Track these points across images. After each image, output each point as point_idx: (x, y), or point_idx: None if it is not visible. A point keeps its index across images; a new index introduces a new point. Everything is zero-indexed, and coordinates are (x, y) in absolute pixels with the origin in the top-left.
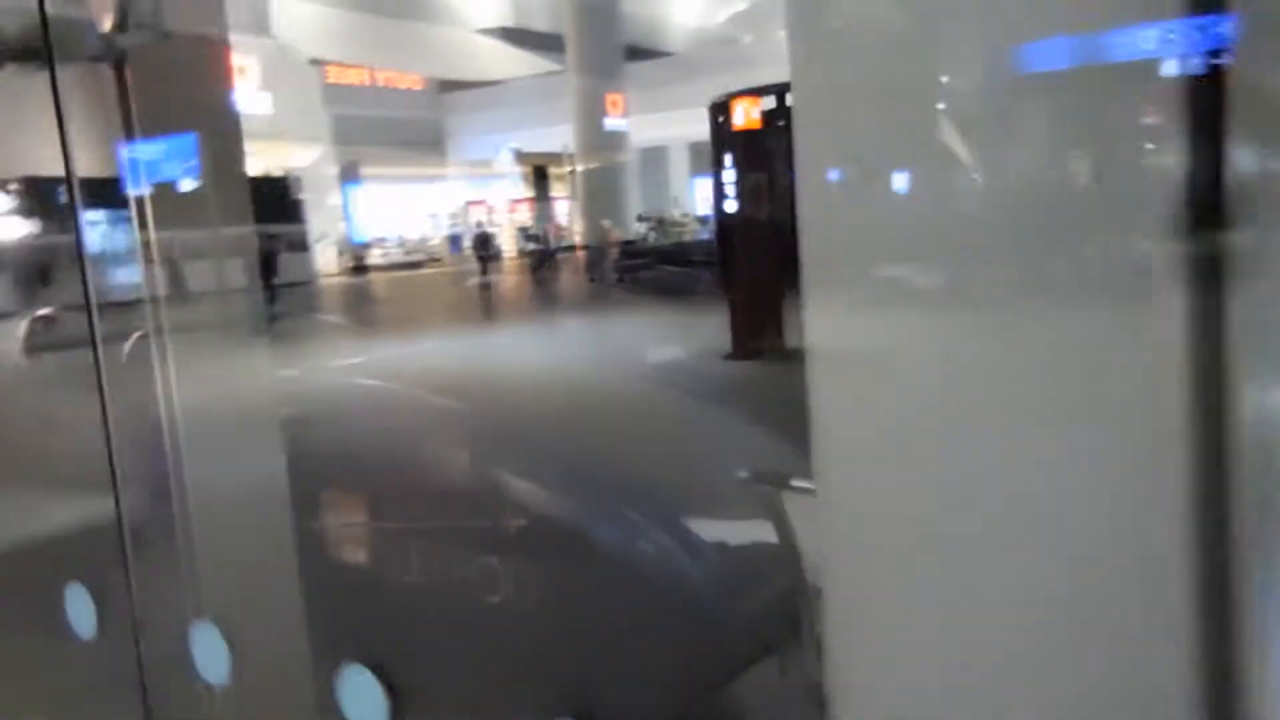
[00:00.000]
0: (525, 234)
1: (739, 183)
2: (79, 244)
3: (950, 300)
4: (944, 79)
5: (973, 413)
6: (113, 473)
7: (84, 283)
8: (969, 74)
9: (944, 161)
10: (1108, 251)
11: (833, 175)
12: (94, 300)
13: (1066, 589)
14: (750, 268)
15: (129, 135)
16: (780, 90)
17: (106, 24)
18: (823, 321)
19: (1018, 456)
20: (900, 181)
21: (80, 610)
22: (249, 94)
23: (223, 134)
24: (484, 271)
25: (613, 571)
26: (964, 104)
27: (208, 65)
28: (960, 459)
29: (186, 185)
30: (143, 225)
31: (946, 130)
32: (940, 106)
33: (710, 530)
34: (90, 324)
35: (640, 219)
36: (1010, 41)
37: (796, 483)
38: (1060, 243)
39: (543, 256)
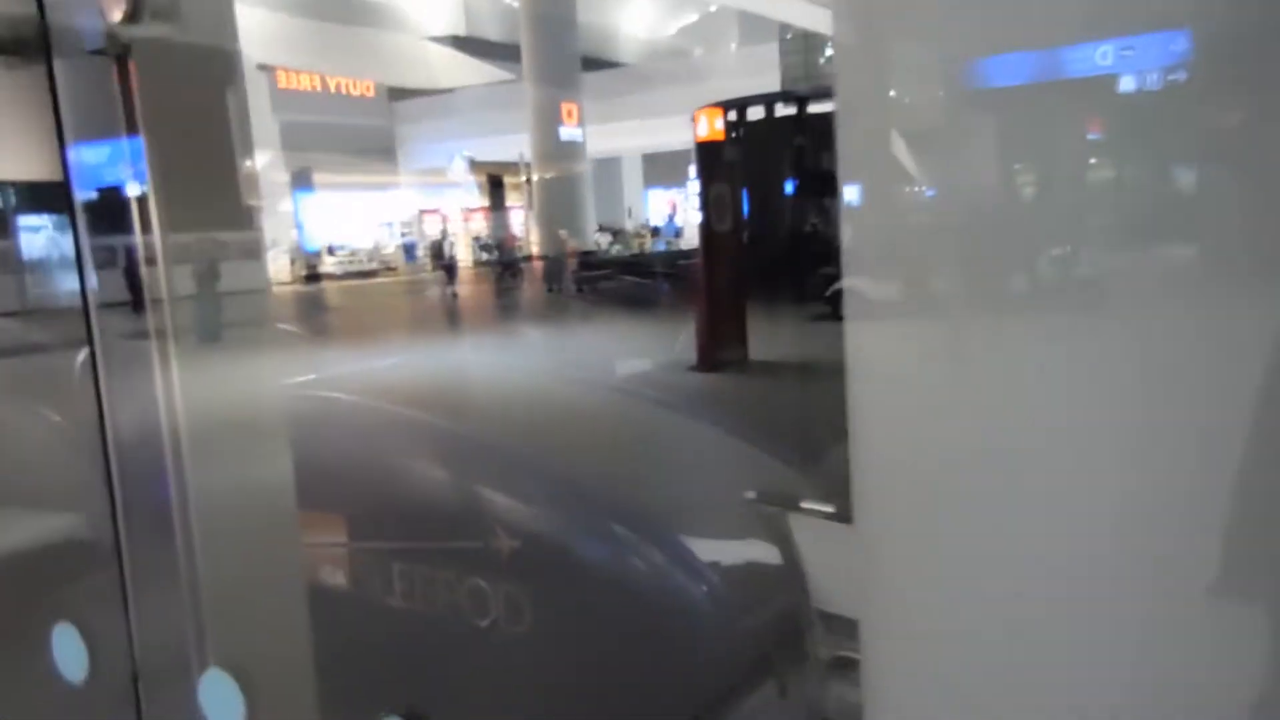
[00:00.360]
0: (480, 244)
1: (712, 193)
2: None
3: (999, 311)
4: (988, 81)
5: (1025, 431)
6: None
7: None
8: (1015, 74)
9: (990, 166)
10: (1167, 256)
11: (874, 182)
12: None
13: (1123, 621)
14: (723, 279)
15: (131, 133)
16: (746, 104)
17: (116, 14)
18: (864, 338)
19: (1077, 480)
20: (944, 187)
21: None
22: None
23: (230, 135)
24: (449, 281)
25: (601, 591)
26: (1012, 106)
27: (218, 63)
28: (1013, 481)
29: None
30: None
31: (993, 134)
32: (984, 110)
33: (708, 550)
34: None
35: (601, 229)
36: (1062, 42)
37: (808, 505)
38: (1121, 247)
39: (504, 266)
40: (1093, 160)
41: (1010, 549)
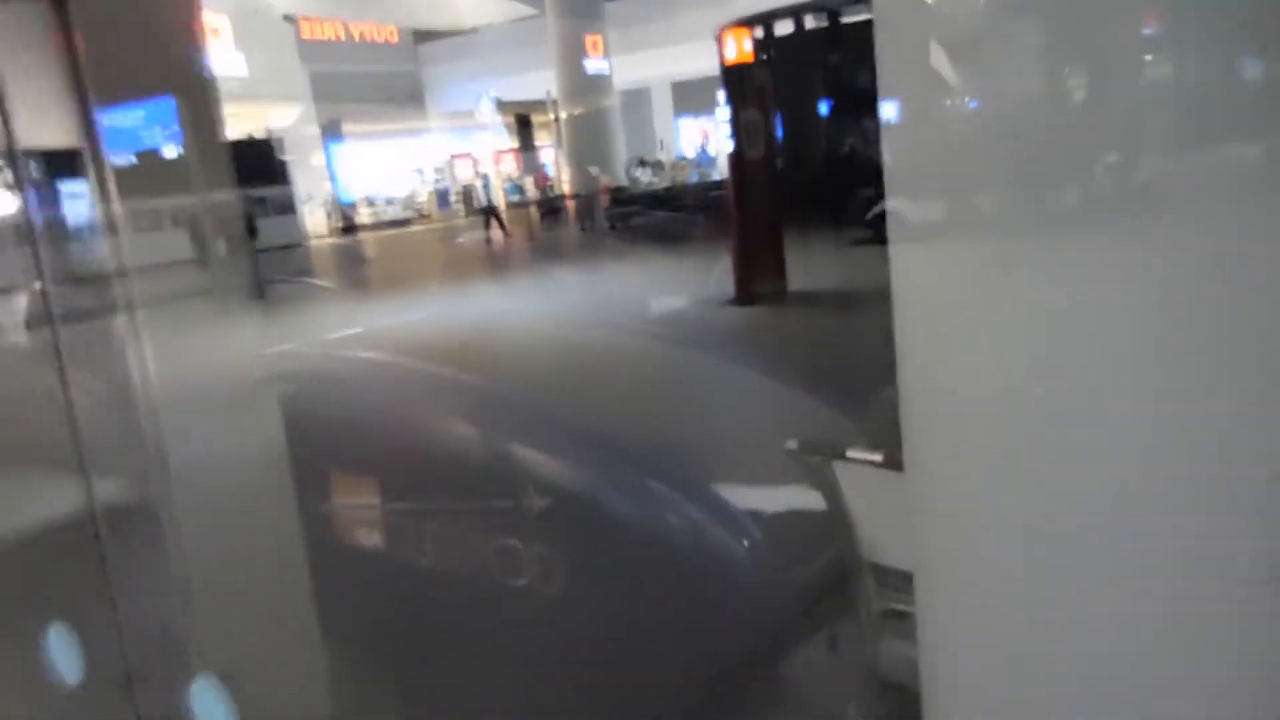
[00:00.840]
0: (511, 186)
1: (740, 118)
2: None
3: (1053, 231)
4: None
5: (1084, 363)
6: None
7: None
8: None
9: (1037, 72)
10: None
11: (915, 96)
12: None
13: (1176, 577)
14: (755, 208)
15: (80, 95)
16: (773, 19)
17: None
18: (910, 266)
19: (1130, 428)
20: (989, 98)
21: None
22: (223, 54)
23: (196, 96)
24: (489, 225)
25: (638, 547)
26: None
27: (177, 20)
28: (1066, 430)
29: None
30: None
31: (1041, 36)
32: (1029, 10)
33: (750, 503)
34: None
35: (641, 163)
36: None
37: (853, 454)
38: (1180, 154)
39: (541, 208)
40: (1148, 58)
41: (1067, 494)
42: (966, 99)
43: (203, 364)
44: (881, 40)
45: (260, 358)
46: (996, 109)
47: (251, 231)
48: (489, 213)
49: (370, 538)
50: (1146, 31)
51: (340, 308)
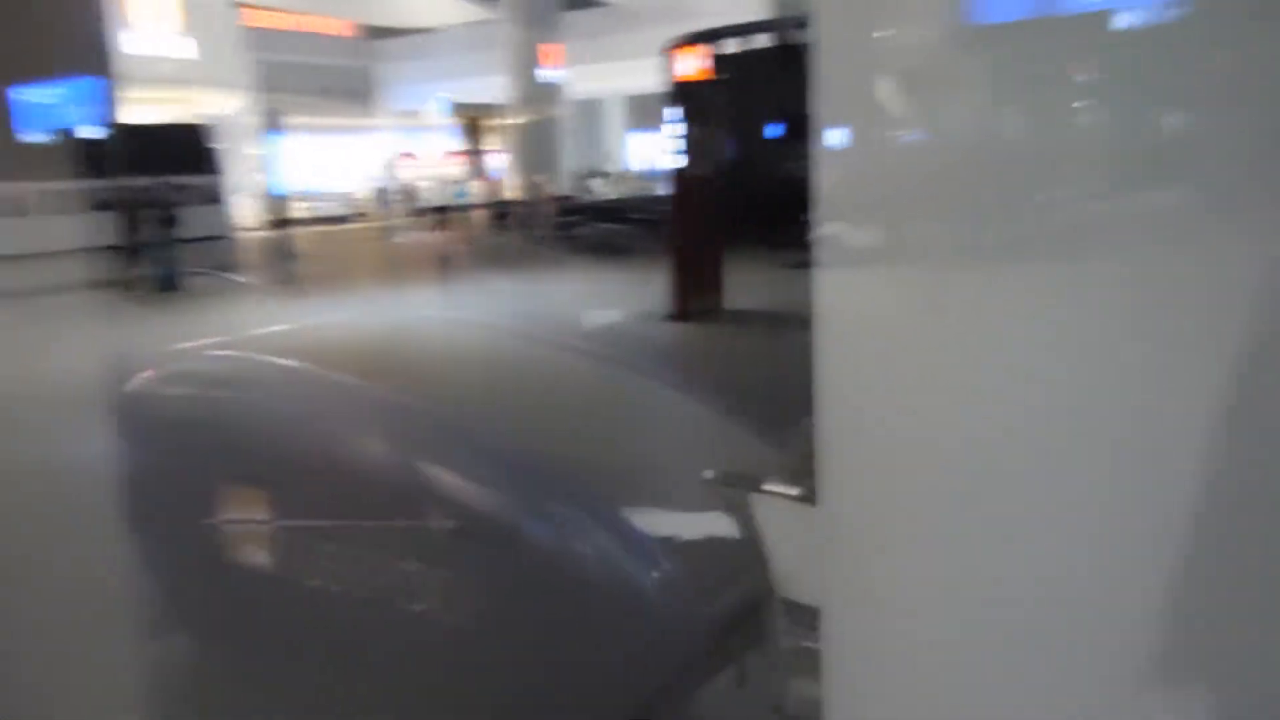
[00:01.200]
0: (453, 190)
1: (683, 134)
2: None
3: (985, 266)
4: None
5: (1003, 412)
6: None
7: None
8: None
9: (971, 114)
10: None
11: (853, 123)
12: None
13: (1089, 619)
14: (693, 225)
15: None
16: (738, 32)
17: None
18: (836, 295)
19: (1050, 468)
20: (926, 130)
21: None
22: (168, 38)
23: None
24: (435, 227)
25: (550, 574)
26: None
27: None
28: (986, 467)
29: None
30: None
31: (976, 81)
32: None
33: (663, 533)
34: None
35: (593, 174)
36: None
37: (770, 486)
38: (1111, 194)
39: (495, 212)
40: (1076, 104)
41: (982, 532)
42: (901, 130)
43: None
44: (820, 67)
45: (114, 357)
46: (930, 141)
47: (169, 221)
48: (438, 213)
49: (249, 555)
50: (1078, 79)
51: (257, 305)
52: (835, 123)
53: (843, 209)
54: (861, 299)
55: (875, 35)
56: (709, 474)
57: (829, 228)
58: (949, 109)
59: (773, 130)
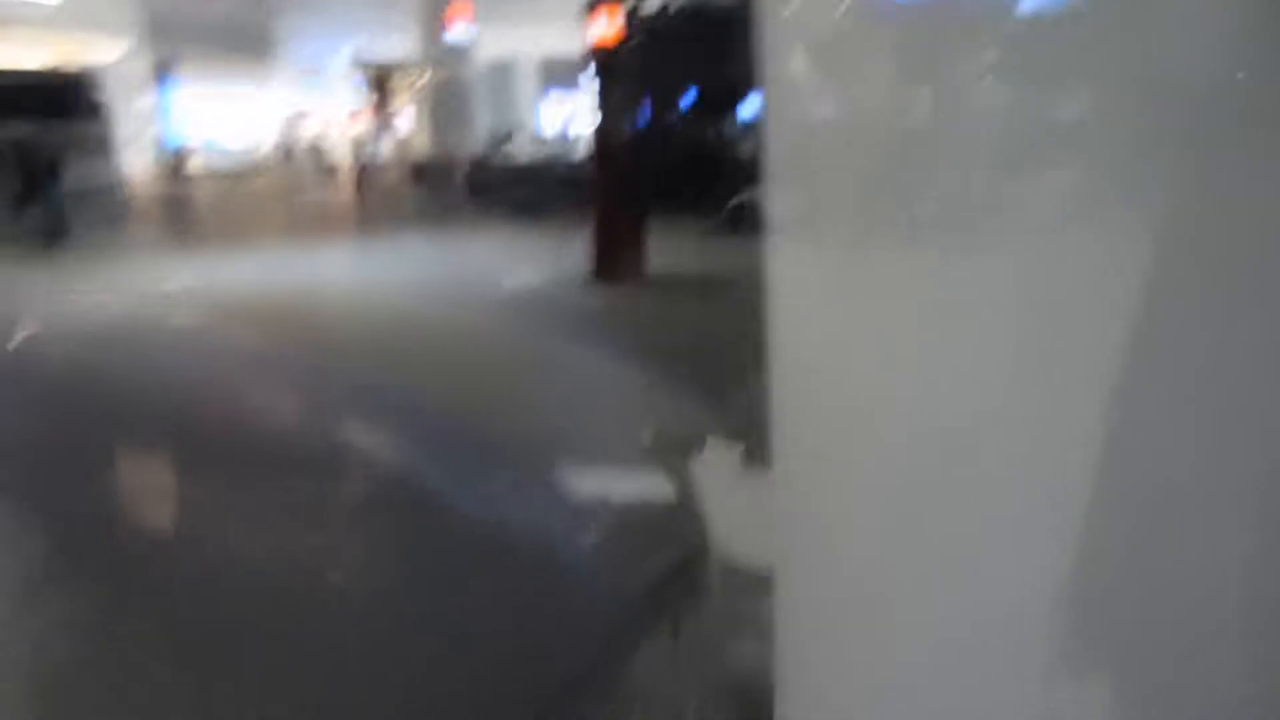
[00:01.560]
0: (363, 148)
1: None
2: None
3: (932, 244)
4: None
5: (955, 377)
6: None
7: None
8: None
9: (927, 79)
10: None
11: (799, 95)
12: None
13: (1041, 584)
14: (617, 189)
15: None
16: None
17: None
18: (788, 259)
19: (1002, 431)
20: (876, 99)
21: None
22: None
23: None
24: (357, 185)
25: (480, 538)
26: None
27: None
28: (939, 432)
29: None
30: None
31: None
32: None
33: (598, 496)
34: None
35: (508, 136)
36: None
37: (709, 449)
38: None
39: (405, 172)
40: (987, 81)
41: (937, 495)
42: (847, 97)
43: None
44: (765, 31)
45: None
46: (874, 110)
47: (53, 171)
48: (347, 172)
49: (152, 521)
50: (987, 58)
51: (149, 260)
52: (779, 88)
53: (790, 178)
54: (811, 266)
55: (812, 7)
56: (647, 437)
57: (777, 196)
58: (882, 79)
59: (690, 95)
